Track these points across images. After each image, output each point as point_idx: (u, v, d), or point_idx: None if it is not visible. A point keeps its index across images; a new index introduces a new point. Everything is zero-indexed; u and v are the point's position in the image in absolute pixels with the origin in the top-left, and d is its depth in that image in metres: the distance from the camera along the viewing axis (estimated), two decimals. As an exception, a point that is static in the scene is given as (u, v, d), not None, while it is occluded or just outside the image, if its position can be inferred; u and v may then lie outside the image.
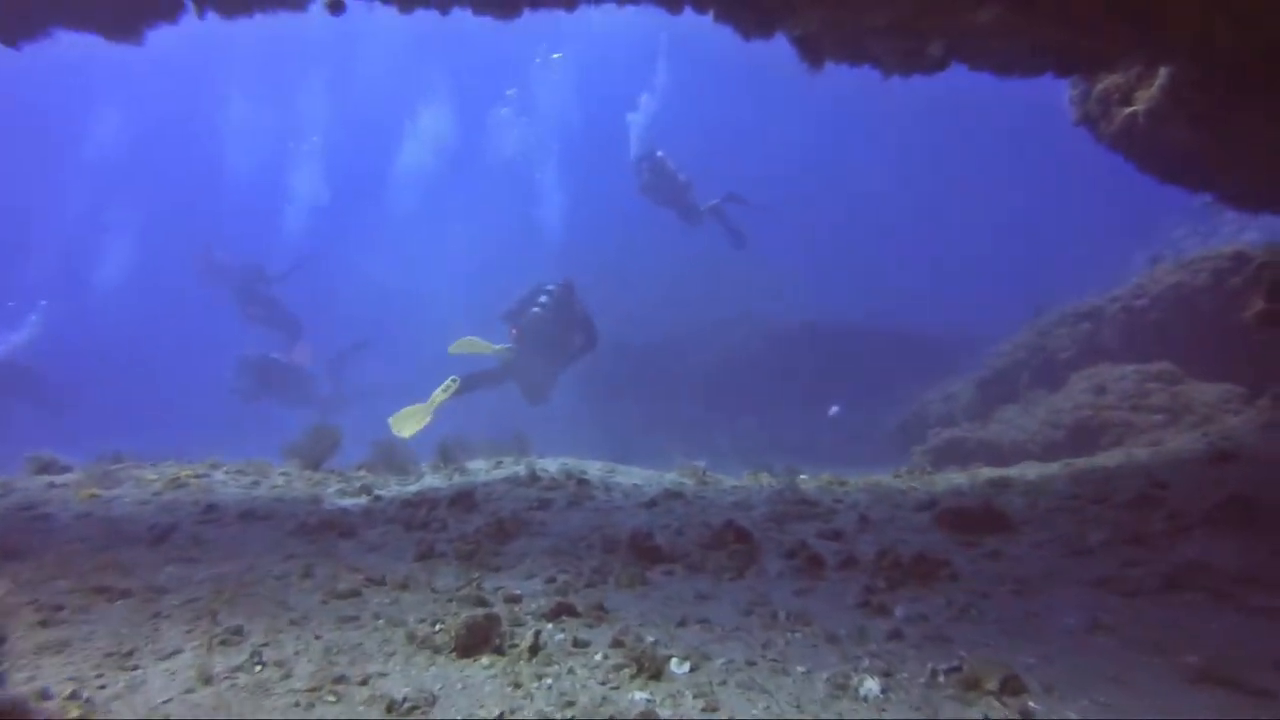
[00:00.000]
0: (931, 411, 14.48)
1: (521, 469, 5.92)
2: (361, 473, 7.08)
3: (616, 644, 2.41)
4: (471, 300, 21.60)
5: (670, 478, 5.75)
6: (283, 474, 6.72)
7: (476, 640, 2.30)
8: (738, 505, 4.68)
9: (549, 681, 2.15)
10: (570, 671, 2.22)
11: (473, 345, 10.75)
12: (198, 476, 5.83)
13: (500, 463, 6.79)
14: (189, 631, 2.49)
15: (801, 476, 6.47)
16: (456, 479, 6.09)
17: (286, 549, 3.64)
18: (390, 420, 9.86)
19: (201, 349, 21.48)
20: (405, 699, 2.01)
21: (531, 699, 2.06)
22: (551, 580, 3.21)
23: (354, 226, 30.03)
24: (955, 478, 5.86)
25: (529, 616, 2.69)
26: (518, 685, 2.13)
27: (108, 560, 3.18)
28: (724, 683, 2.19)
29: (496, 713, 1.98)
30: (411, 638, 2.40)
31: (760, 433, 18.36)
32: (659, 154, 16.29)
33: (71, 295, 27.22)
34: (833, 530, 4.08)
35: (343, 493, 5.67)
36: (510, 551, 3.67)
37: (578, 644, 2.43)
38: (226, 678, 2.15)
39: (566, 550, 3.70)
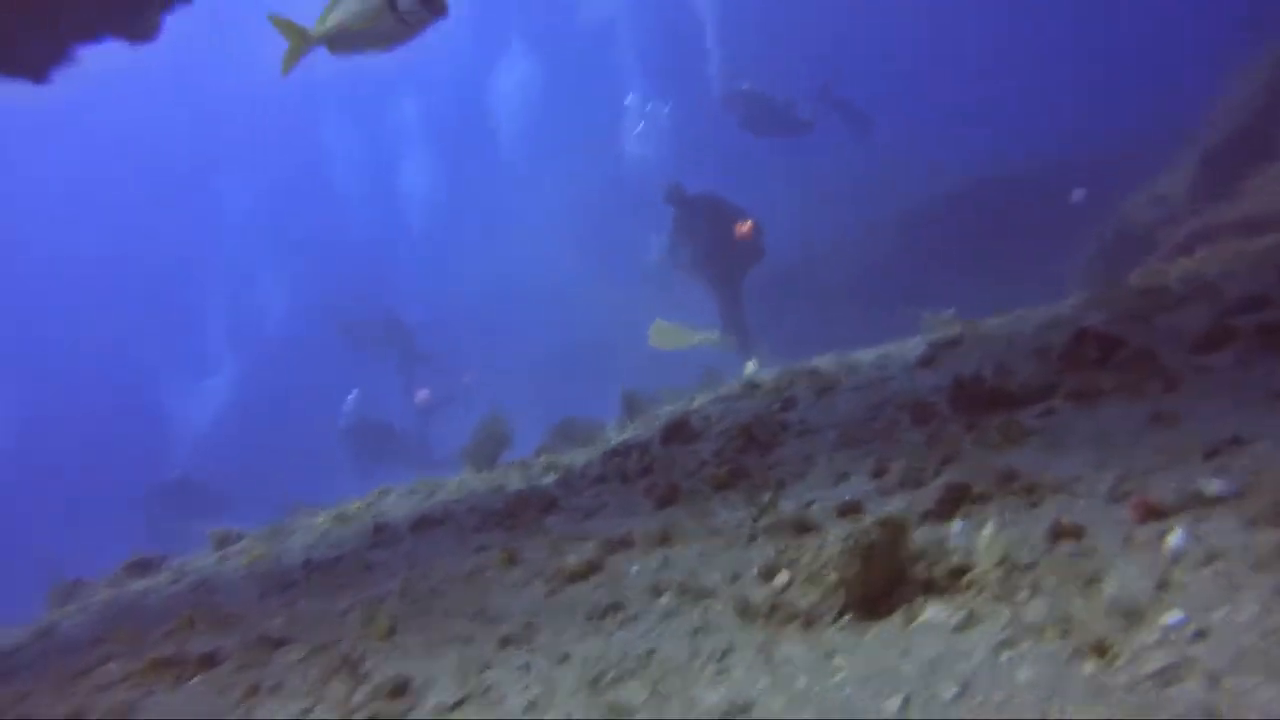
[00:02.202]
0: (1137, 222, 12.21)
1: (731, 388, 4.75)
2: (541, 458, 6.16)
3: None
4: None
5: (919, 342, 4.39)
6: (457, 482, 5.89)
7: (880, 577, 1.10)
8: (1045, 326, 3.30)
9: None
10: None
11: (676, 335, 9.57)
12: (367, 506, 5.02)
13: (694, 399, 5.66)
14: (310, 700, 1.42)
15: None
16: (656, 425, 5.00)
17: (473, 544, 2.59)
18: (650, 329, 8.94)
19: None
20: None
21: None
22: (880, 472, 2.00)
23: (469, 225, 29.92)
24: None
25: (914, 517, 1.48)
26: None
27: (200, 616, 2.20)
28: None
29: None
30: (745, 610, 1.23)
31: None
32: (745, 86, 15.32)
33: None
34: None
35: (526, 479, 4.70)
36: (784, 461, 2.47)
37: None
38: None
39: (861, 435, 2.47)
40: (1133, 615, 0.95)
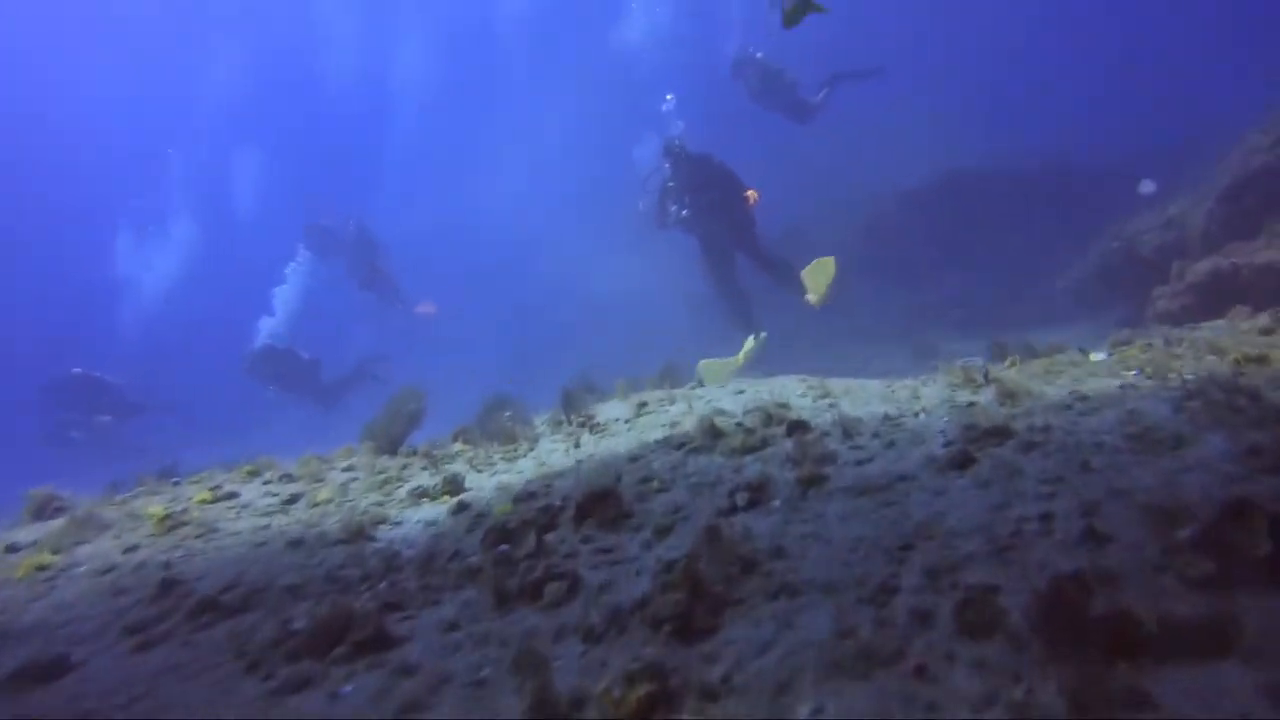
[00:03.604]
0: (1147, 244, 11.46)
1: (685, 418, 3.76)
2: (456, 447, 5.16)
3: None
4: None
5: (938, 401, 3.42)
6: (346, 469, 4.86)
7: None
8: (1142, 442, 2.35)
9: None
10: None
11: (724, 367, 8.85)
12: (215, 500, 3.98)
13: (645, 405, 4.67)
14: None
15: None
16: (587, 444, 4.01)
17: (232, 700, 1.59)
18: (700, 366, 8.56)
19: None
20: None
21: None
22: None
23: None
24: None
25: None
26: None
27: None
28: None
29: None
30: None
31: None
32: (758, 55, 14.62)
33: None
34: None
35: (417, 496, 3.71)
36: (734, 643, 1.50)
37: None
38: None
39: (874, 639, 1.50)
40: None
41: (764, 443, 2.99)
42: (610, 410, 4.88)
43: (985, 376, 3.39)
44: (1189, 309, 8.42)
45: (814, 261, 8.94)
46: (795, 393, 4.00)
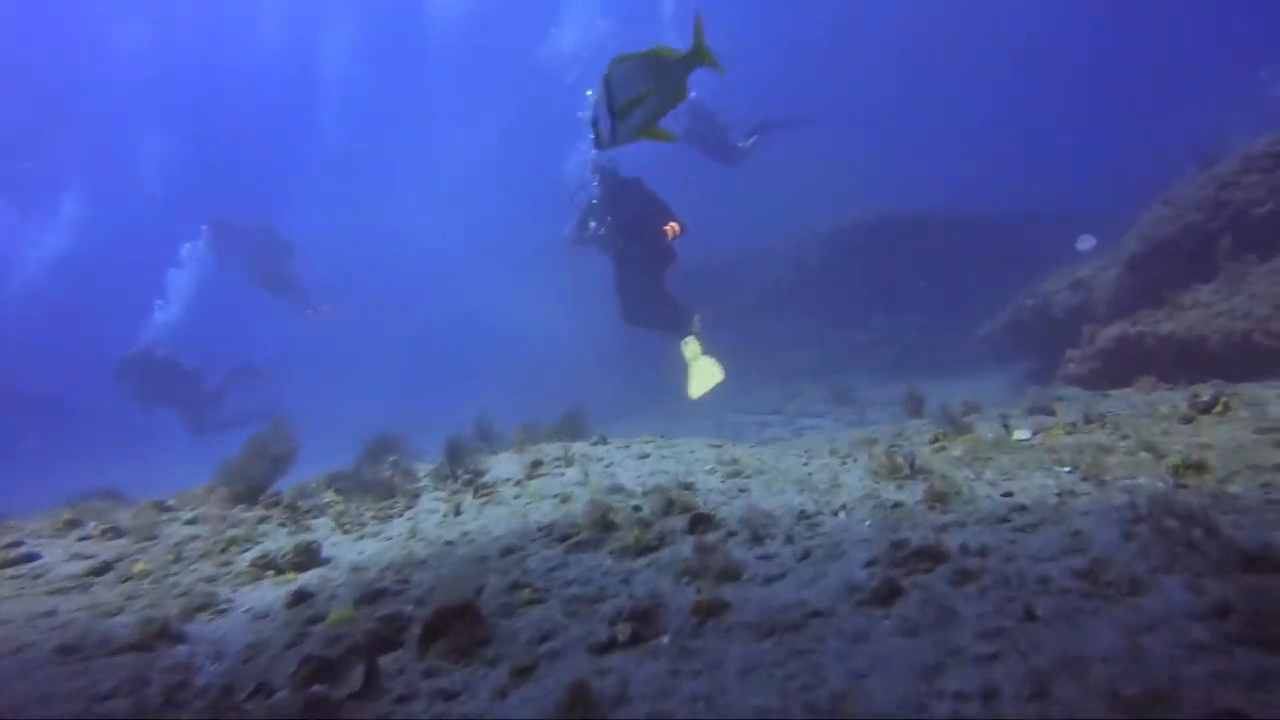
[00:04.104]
0: (1058, 304, 11.65)
1: (578, 492, 3.33)
2: (327, 496, 4.58)
3: None
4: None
5: (858, 478, 3.08)
6: (190, 520, 4.24)
7: None
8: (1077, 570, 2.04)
9: None
10: None
11: (709, 374, 8.85)
12: (3, 565, 3.32)
13: (539, 465, 4.21)
14: None
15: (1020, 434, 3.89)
16: (468, 511, 3.54)
17: None
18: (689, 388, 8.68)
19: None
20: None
21: None
22: None
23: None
24: None
25: None
26: None
27: None
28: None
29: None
30: None
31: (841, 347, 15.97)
32: (692, 94, 14.38)
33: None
34: None
35: (262, 567, 3.16)
36: None
37: None
38: None
39: None
40: None
41: (661, 540, 2.58)
42: (501, 468, 4.41)
43: (911, 466, 3.07)
44: (1097, 374, 8.49)
45: (707, 362, 8.78)
46: (704, 465, 3.61)
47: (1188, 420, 3.98)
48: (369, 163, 28.24)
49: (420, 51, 28.30)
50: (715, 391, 9.37)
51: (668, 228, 9.22)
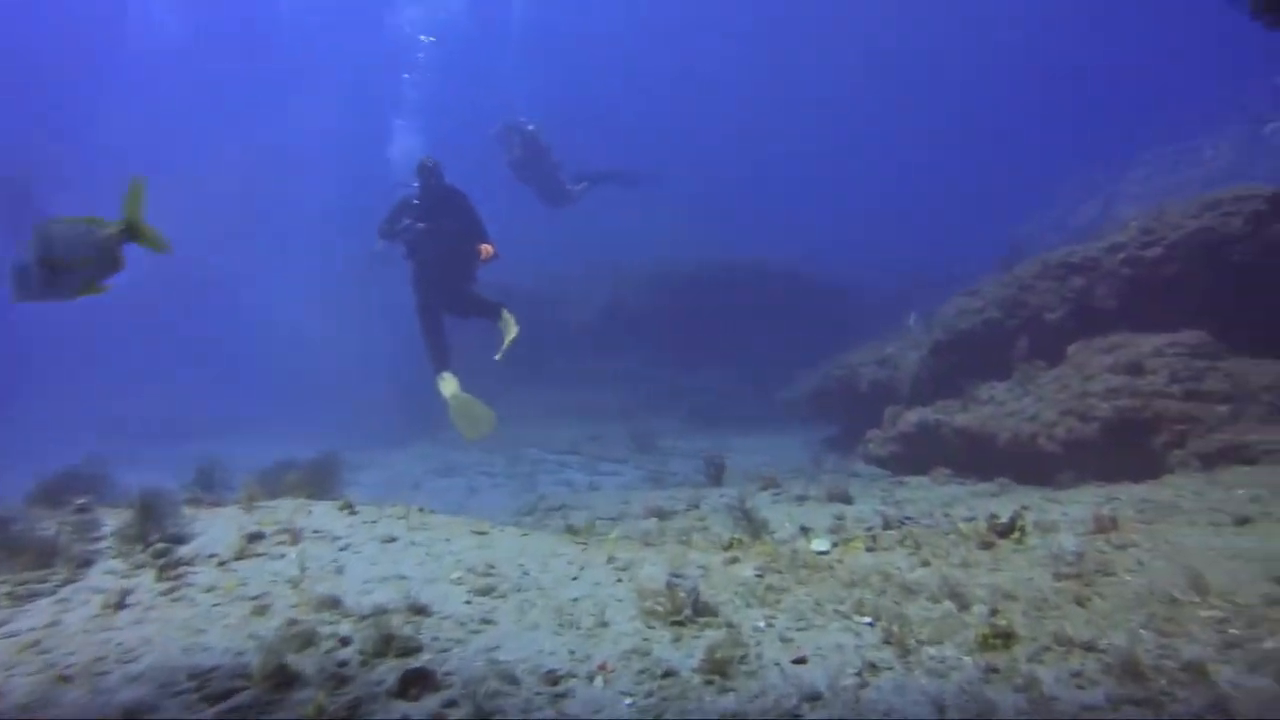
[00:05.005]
0: (864, 378, 11.94)
1: (287, 590, 2.56)
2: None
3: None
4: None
5: (626, 620, 2.52)
6: None
7: None
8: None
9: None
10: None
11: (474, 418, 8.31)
12: None
13: (259, 538, 3.37)
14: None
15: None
16: (140, 602, 2.67)
17: None
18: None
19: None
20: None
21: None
22: None
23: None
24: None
25: None
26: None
27: None
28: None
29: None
30: None
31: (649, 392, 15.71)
32: (530, 127, 14.32)
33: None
34: None
35: None
36: None
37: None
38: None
39: None
40: None
41: (352, 713, 1.89)
42: (215, 532, 3.52)
43: (694, 606, 2.55)
44: (896, 456, 8.60)
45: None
46: (453, 569, 2.94)
47: (987, 545, 3.77)
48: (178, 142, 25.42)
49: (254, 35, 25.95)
50: (518, 422, 8.74)
51: (482, 248, 8.54)
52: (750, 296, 17.62)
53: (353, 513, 3.74)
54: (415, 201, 9.00)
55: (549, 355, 16.90)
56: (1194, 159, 15.75)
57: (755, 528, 4.15)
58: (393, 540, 3.32)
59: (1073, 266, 8.90)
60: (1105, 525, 3.93)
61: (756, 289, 17.86)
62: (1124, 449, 6.71)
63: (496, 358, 8.30)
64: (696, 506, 6.45)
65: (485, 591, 2.71)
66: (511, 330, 8.86)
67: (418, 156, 9.21)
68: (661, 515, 6.02)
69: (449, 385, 8.20)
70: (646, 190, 16.46)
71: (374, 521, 3.59)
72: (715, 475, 7.91)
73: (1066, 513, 4.66)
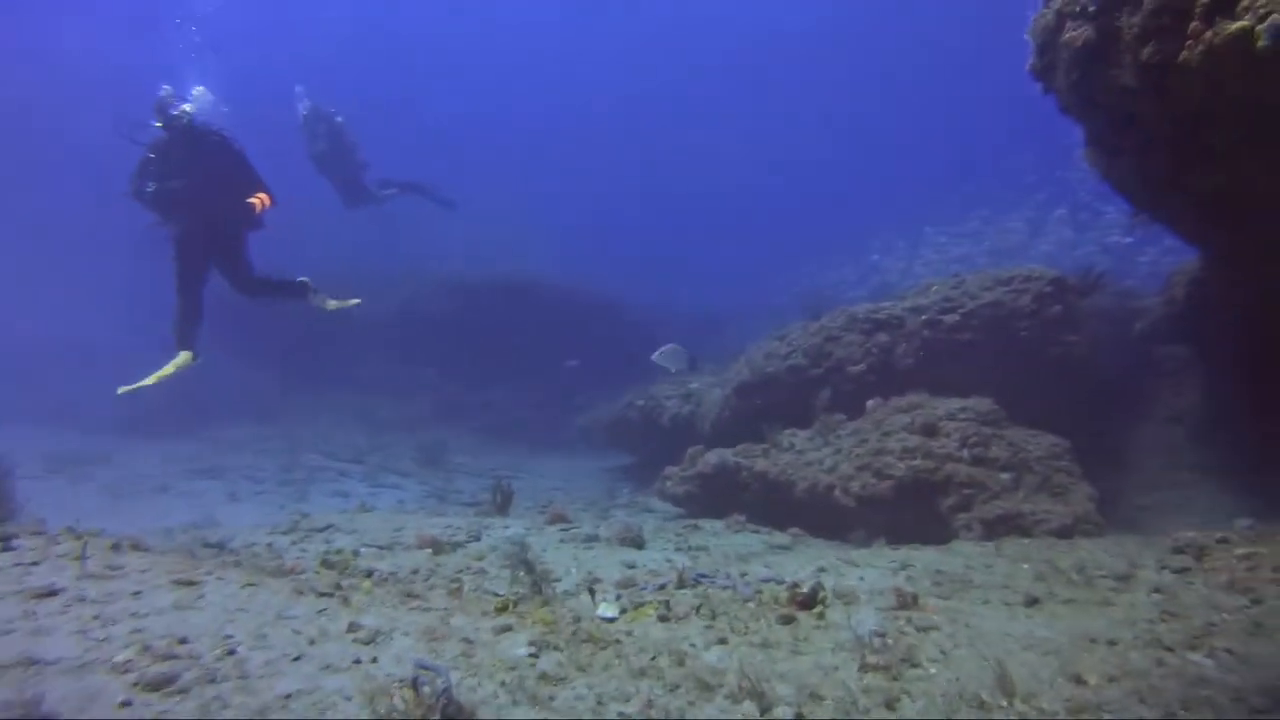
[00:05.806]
0: (667, 411, 11.72)
1: None
2: None
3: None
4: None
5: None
6: None
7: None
8: None
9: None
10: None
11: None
12: None
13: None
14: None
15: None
16: None
17: None
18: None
19: None
20: None
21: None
22: None
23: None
24: None
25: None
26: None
27: None
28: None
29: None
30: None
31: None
32: (339, 119, 13.20)
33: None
34: None
35: None
36: None
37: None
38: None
39: None
40: None
41: None
42: None
43: (444, 712, 1.92)
44: (693, 496, 8.32)
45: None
46: (119, 653, 2.12)
47: (787, 620, 3.40)
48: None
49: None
50: (302, 421, 7.62)
51: (255, 199, 7.27)
52: (556, 314, 17.13)
53: (4, 549, 2.76)
54: (153, 156, 7.30)
55: (339, 351, 15.55)
56: (998, 229, 17.28)
57: (536, 580, 3.56)
58: (51, 594, 2.41)
59: (879, 323, 9.07)
60: (906, 601, 3.70)
61: (562, 309, 17.40)
62: (914, 508, 6.75)
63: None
64: (477, 539, 5.77)
65: (156, 686, 1.92)
66: (329, 304, 7.89)
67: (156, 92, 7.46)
68: (436, 548, 5.29)
69: (179, 366, 6.94)
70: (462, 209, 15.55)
71: (31, 564, 2.64)
72: (502, 504, 7.25)
73: (864, 578, 4.44)
